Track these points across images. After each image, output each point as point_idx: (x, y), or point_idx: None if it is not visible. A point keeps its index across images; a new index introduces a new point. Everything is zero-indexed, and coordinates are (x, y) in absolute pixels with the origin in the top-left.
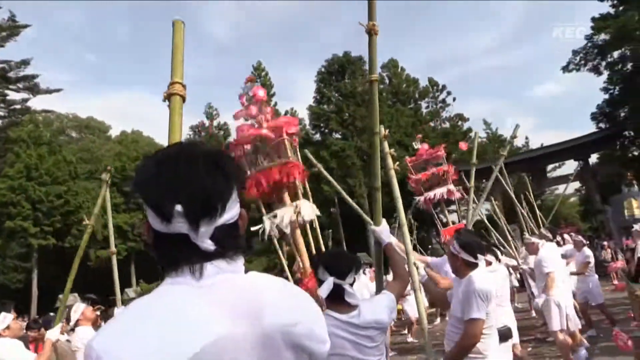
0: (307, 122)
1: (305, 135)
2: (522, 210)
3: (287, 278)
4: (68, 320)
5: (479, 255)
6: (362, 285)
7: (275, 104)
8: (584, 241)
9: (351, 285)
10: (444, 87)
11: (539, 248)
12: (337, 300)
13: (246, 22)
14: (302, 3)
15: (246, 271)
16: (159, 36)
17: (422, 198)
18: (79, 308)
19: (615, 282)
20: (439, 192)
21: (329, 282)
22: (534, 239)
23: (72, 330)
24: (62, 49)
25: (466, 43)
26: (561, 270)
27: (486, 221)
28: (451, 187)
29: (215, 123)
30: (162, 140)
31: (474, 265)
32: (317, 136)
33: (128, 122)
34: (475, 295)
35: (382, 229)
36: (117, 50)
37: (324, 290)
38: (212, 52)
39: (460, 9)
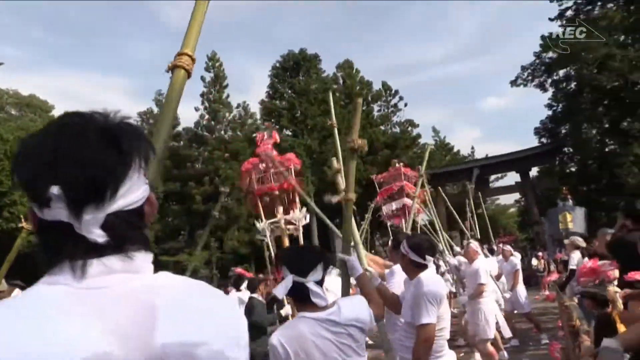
0: (258, 116)
1: (255, 129)
2: (457, 219)
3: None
4: None
5: (427, 257)
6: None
7: (228, 96)
8: (512, 251)
9: (319, 284)
10: (396, 92)
11: (476, 258)
12: (305, 301)
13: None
14: None
15: (184, 267)
16: (110, 16)
17: (384, 210)
18: (18, 294)
19: (547, 292)
20: (397, 204)
21: (287, 279)
22: (477, 247)
23: None
24: (5, 21)
25: (422, 52)
26: (490, 280)
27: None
28: (410, 202)
29: None
30: None
31: (423, 267)
32: None
33: (72, 103)
34: (425, 299)
35: (355, 259)
36: (66, 28)
37: (280, 289)
38: (168, 38)
39: (419, 19)
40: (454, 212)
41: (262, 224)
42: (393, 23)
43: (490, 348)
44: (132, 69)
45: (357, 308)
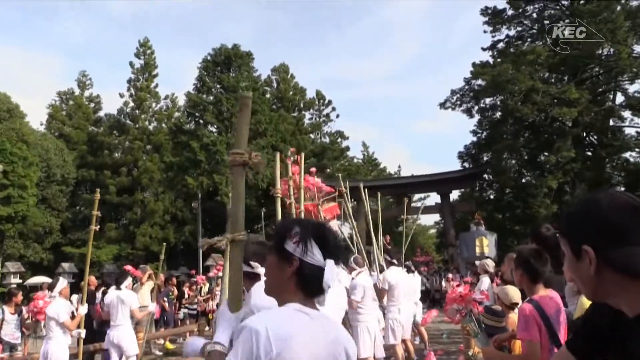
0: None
1: (178, 122)
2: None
3: None
4: None
5: (253, 263)
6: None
7: (157, 85)
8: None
9: None
10: (329, 102)
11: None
12: (312, 292)
13: None
14: None
15: (94, 259)
16: None
17: None
18: None
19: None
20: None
21: (331, 264)
22: (353, 264)
23: None
24: None
25: (361, 69)
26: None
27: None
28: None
29: (86, 94)
30: (20, 99)
31: (254, 276)
32: (192, 125)
33: None
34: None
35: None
36: None
37: (330, 277)
38: (103, 21)
39: (363, 37)
40: (371, 227)
41: None
42: (337, 37)
43: None
44: (59, 48)
45: (347, 334)
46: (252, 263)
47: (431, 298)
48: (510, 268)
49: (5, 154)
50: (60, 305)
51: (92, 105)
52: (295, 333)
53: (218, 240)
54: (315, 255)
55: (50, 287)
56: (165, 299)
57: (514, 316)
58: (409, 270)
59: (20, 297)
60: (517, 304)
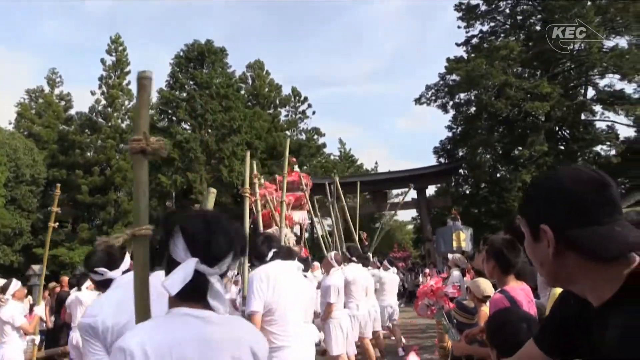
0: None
1: (150, 119)
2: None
3: None
4: None
5: (99, 270)
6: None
7: (129, 83)
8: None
9: (221, 278)
10: (305, 98)
11: (330, 274)
12: (193, 296)
13: None
14: None
15: (67, 260)
16: None
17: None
18: None
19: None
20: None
21: (188, 265)
22: (333, 261)
23: None
24: None
25: (339, 67)
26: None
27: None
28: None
29: (57, 91)
30: None
31: (106, 283)
32: (165, 123)
33: None
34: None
35: None
36: None
37: (175, 281)
38: (73, 17)
39: (338, 37)
40: (350, 223)
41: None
42: (313, 35)
43: None
44: (28, 45)
45: (255, 333)
46: (98, 270)
47: (408, 294)
48: (482, 259)
49: None
50: (15, 308)
51: (63, 103)
52: (179, 340)
53: (115, 237)
54: (178, 250)
55: (3, 290)
56: None
57: (486, 309)
58: (391, 265)
59: None
60: (489, 296)
